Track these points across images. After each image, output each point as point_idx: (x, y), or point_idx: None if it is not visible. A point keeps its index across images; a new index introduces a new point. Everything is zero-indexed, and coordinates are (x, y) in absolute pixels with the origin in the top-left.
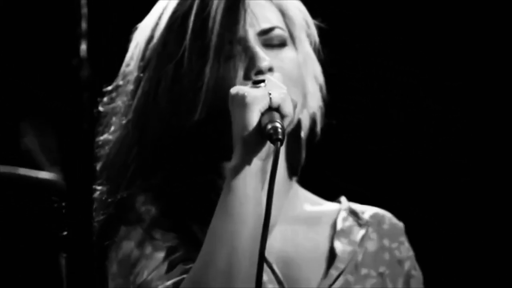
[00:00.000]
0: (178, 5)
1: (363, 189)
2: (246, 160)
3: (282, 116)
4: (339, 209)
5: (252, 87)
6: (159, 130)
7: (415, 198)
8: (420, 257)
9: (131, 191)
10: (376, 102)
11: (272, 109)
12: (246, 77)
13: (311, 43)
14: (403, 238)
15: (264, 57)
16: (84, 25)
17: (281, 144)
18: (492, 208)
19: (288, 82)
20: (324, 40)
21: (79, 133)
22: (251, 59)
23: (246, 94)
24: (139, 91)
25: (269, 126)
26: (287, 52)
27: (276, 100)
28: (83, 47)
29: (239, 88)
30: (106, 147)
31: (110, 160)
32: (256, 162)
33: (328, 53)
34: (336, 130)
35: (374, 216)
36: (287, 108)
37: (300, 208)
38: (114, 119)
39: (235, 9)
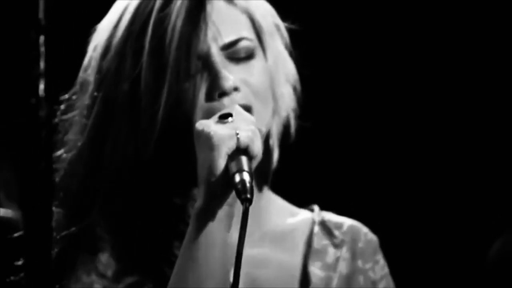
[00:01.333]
0: (136, 14)
1: (337, 195)
2: (212, 205)
3: (251, 157)
4: (312, 221)
5: (218, 122)
6: (116, 154)
7: (389, 204)
8: (397, 267)
9: (89, 221)
10: (352, 103)
11: (240, 150)
12: (209, 98)
13: (284, 44)
14: (378, 256)
15: (228, 76)
16: (42, 64)
17: (250, 204)
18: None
19: (256, 97)
20: (296, 41)
21: (37, 171)
22: (214, 78)
23: (212, 134)
24: (95, 111)
25: (237, 179)
26: (255, 64)
27: (245, 140)
28: (41, 86)
29: (205, 125)
30: (62, 164)
31: (65, 181)
32: (223, 208)
33: (301, 53)
34: (311, 132)
35: (348, 232)
36: (256, 148)
37: (272, 221)
38: (70, 135)
39: (195, 21)
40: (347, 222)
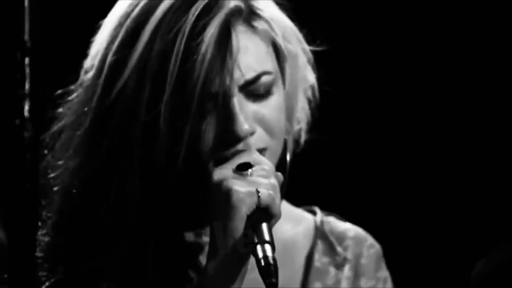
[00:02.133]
0: (161, 35)
1: (338, 196)
2: (225, 268)
3: (271, 216)
4: (314, 232)
5: (236, 173)
6: (123, 189)
7: (390, 207)
8: (396, 271)
9: (73, 272)
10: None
11: (260, 209)
12: (223, 140)
13: (306, 59)
14: (381, 272)
15: (244, 121)
16: (27, 85)
17: None
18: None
19: (271, 135)
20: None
21: (22, 193)
22: (230, 121)
23: (232, 192)
24: (106, 143)
25: (260, 254)
26: (273, 100)
27: (265, 199)
28: (26, 107)
29: (223, 178)
30: (53, 182)
31: (56, 207)
32: (236, 268)
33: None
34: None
35: (350, 247)
36: (276, 208)
37: (277, 231)
38: (59, 152)
39: (220, 57)
40: (349, 233)
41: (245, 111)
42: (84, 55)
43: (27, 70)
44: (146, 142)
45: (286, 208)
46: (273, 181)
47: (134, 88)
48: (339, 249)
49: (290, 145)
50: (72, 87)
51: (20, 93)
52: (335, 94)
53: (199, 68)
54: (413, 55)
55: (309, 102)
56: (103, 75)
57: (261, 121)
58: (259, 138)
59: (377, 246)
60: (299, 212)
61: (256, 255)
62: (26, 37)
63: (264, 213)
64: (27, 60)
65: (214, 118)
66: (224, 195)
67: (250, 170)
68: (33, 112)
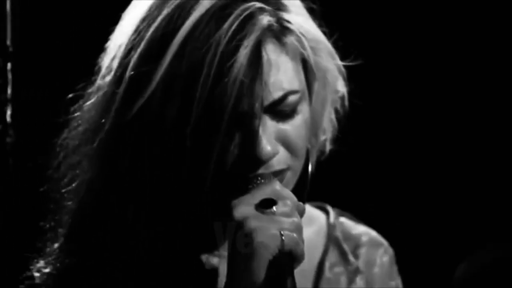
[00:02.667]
0: (188, 55)
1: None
2: None
3: (294, 260)
4: (326, 236)
5: (259, 211)
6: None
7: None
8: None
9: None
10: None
11: (283, 252)
12: (242, 161)
13: (338, 73)
14: (393, 281)
15: (265, 144)
16: (9, 90)
17: None
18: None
19: (293, 155)
20: None
21: (5, 197)
22: (253, 144)
23: (254, 234)
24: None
25: None
26: (298, 119)
27: (289, 243)
28: (8, 112)
29: (245, 216)
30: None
31: (68, 219)
32: None
33: None
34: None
35: (363, 255)
36: (300, 252)
37: None
38: (70, 162)
39: (250, 77)
40: (363, 238)
41: (269, 132)
42: (66, 60)
43: (9, 75)
44: (169, 161)
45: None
46: (297, 219)
47: (159, 105)
48: (351, 258)
49: (313, 159)
50: (89, 90)
51: (2, 98)
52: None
53: (230, 89)
54: (411, 48)
55: (337, 111)
56: (123, 86)
57: (285, 141)
58: (281, 159)
59: (390, 252)
60: (310, 210)
61: None
62: (8, 42)
63: (287, 257)
64: (9, 65)
65: (238, 138)
66: (245, 236)
67: (273, 209)
68: (15, 117)
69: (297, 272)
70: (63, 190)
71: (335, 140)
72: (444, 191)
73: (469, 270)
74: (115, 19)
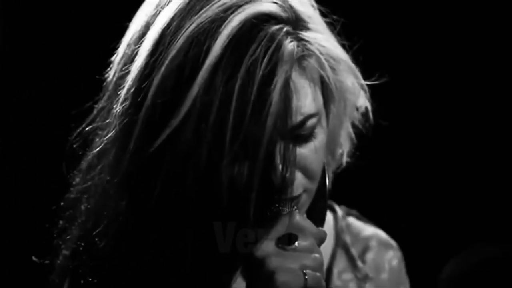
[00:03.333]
0: (218, 85)
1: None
2: None
3: None
4: (335, 238)
5: (280, 248)
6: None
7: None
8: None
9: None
10: None
11: None
12: (258, 187)
13: (360, 89)
14: (401, 285)
15: (284, 172)
16: None
17: None
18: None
19: (310, 180)
20: None
21: None
22: (269, 170)
23: (276, 275)
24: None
25: None
26: (314, 143)
27: (312, 283)
28: None
29: (265, 254)
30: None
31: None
32: None
33: None
34: None
35: (372, 261)
36: None
37: None
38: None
39: (280, 106)
40: (371, 241)
41: (287, 158)
42: (52, 63)
43: None
44: (203, 194)
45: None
46: (318, 255)
47: (187, 135)
48: (360, 264)
49: (330, 174)
50: (99, 107)
51: None
52: None
53: (269, 122)
54: (403, 47)
55: (355, 126)
56: (144, 115)
57: (302, 167)
58: (299, 184)
59: (398, 256)
60: None
61: None
62: None
63: None
64: None
65: (252, 162)
66: (267, 276)
67: (295, 245)
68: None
69: None
70: (88, 228)
71: (353, 155)
72: (430, 193)
73: (455, 271)
74: (104, 20)
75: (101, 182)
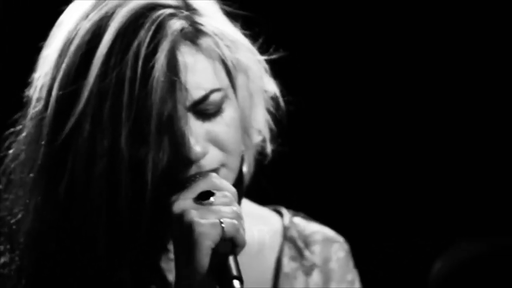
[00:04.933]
0: (110, 71)
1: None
2: None
3: (236, 246)
4: (282, 235)
5: (197, 202)
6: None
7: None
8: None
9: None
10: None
11: (225, 240)
12: (175, 165)
13: (262, 70)
14: (349, 274)
15: (195, 145)
16: None
17: None
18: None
19: (226, 153)
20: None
21: None
22: (180, 146)
23: (194, 226)
24: (69, 170)
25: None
26: (224, 117)
27: (230, 230)
28: None
29: (183, 207)
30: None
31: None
32: None
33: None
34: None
35: (319, 252)
36: (241, 237)
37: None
38: (12, 192)
39: (170, 81)
40: (317, 236)
41: (196, 132)
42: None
43: None
44: (108, 176)
45: (251, 208)
46: (236, 208)
47: (90, 122)
48: (307, 253)
49: (250, 158)
50: (21, 125)
51: None
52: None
53: (153, 96)
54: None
55: (271, 112)
56: (50, 109)
57: (214, 140)
58: (213, 158)
59: (345, 247)
60: (265, 212)
61: None
62: None
63: (229, 244)
64: None
65: (168, 143)
66: (186, 229)
67: (211, 199)
68: None
69: (255, 268)
70: (12, 221)
71: (276, 142)
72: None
73: (446, 267)
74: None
75: (18, 179)
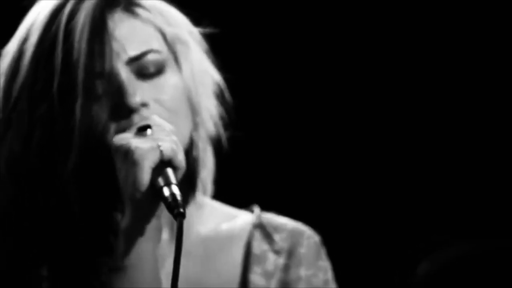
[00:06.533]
0: (44, 32)
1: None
2: (139, 221)
3: (175, 168)
4: (251, 225)
5: (137, 134)
6: (34, 183)
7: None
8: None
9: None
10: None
11: (164, 163)
12: (118, 117)
13: (202, 51)
14: (321, 261)
15: (133, 92)
16: None
17: (184, 218)
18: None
19: (170, 113)
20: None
21: None
22: (119, 95)
23: (133, 148)
24: (9, 137)
25: (167, 193)
26: (166, 79)
27: (168, 152)
28: None
29: (123, 139)
30: None
31: None
32: (151, 222)
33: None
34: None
35: (288, 237)
36: (180, 160)
37: (208, 227)
38: None
39: (99, 37)
40: (288, 225)
41: (135, 85)
42: None
43: None
44: (45, 129)
45: (222, 208)
46: (174, 137)
47: (29, 84)
48: (277, 237)
49: (200, 142)
50: None
51: None
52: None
53: (77, 50)
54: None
55: (220, 96)
56: (4, 81)
57: (156, 100)
58: (155, 112)
59: (316, 237)
60: (236, 211)
61: (163, 197)
62: None
63: (168, 166)
64: None
65: (105, 97)
66: (125, 154)
67: (149, 131)
68: None
69: (225, 256)
70: None
71: (228, 128)
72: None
73: (432, 268)
74: None
75: None
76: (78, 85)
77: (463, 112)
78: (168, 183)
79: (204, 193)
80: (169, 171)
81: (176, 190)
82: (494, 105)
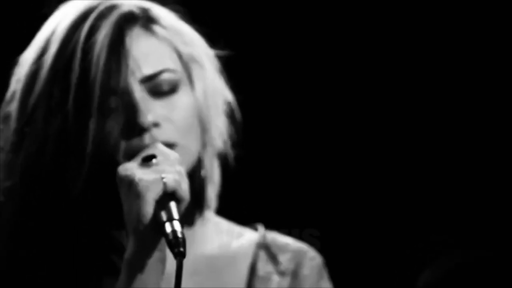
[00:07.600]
0: (63, 46)
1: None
2: (142, 253)
3: (179, 201)
4: (256, 244)
5: (141, 165)
6: (45, 193)
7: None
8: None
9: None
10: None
11: (168, 195)
12: (129, 135)
13: (215, 71)
14: (324, 283)
15: (145, 111)
16: None
17: (184, 258)
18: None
19: (180, 132)
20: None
21: None
22: (132, 114)
23: (137, 180)
24: (24, 146)
25: (168, 229)
26: (179, 98)
27: (171, 184)
28: None
29: (128, 170)
30: None
31: None
32: (154, 255)
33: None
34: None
35: (293, 258)
36: (184, 191)
37: (210, 246)
38: None
39: (116, 55)
40: (292, 246)
41: (148, 104)
42: None
43: None
44: (62, 144)
45: (225, 225)
46: (179, 168)
47: (45, 97)
48: (281, 259)
49: (208, 160)
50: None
51: None
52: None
53: (95, 67)
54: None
55: (230, 116)
56: (20, 92)
57: (167, 118)
58: (166, 132)
59: (318, 258)
60: (241, 229)
61: (164, 233)
62: None
63: (172, 198)
64: None
65: (119, 114)
66: (129, 185)
67: (154, 160)
68: None
69: (230, 274)
70: None
71: (237, 146)
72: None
73: (433, 276)
74: None
75: None
76: (93, 101)
77: (463, 113)
78: (170, 219)
79: (208, 207)
80: (172, 205)
81: (177, 226)
82: (493, 106)
